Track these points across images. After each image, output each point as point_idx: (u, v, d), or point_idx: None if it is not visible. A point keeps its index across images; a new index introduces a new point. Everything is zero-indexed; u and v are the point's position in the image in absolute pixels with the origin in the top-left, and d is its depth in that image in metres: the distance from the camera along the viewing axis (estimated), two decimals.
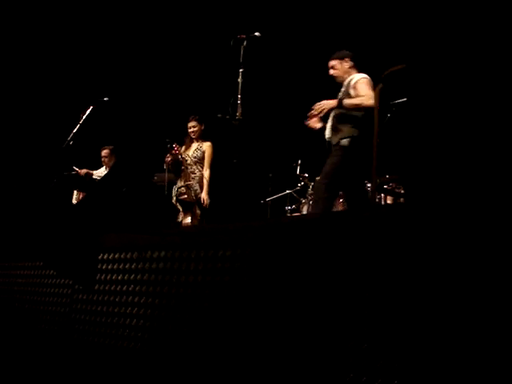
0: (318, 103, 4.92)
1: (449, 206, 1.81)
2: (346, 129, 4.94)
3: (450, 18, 2.14)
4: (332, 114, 5.06)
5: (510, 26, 1.91)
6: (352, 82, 5.02)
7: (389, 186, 6.30)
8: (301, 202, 7.12)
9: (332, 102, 4.92)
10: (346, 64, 5.18)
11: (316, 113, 4.94)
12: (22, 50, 8.67)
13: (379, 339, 1.82)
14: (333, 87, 5.20)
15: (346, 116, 4.95)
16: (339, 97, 5.05)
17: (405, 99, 4.96)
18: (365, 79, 5.00)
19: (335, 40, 6.69)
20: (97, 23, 8.85)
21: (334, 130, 5.03)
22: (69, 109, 7.51)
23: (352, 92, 4.98)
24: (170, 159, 6.73)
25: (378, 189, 5.93)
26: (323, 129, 5.19)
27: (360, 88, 4.93)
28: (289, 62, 7.95)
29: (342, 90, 5.13)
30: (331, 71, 5.22)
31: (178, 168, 6.82)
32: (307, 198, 6.79)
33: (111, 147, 7.99)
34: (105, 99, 6.50)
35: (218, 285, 2.52)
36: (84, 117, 6.33)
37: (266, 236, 2.42)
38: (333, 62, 5.23)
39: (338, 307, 1.98)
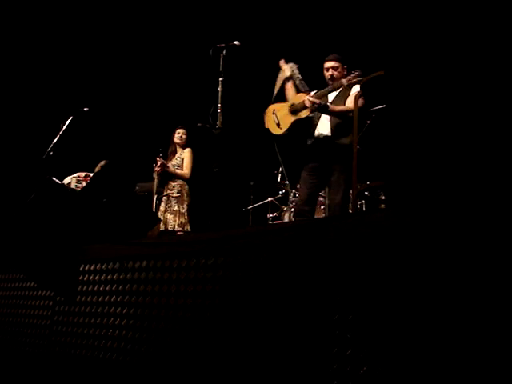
0: (312, 97, 4.84)
1: (430, 211, 1.82)
2: (349, 134, 4.76)
3: (426, 26, 2.16)
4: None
5: (484, 35, 1.94)
6: (353, 92, 4.87)
7: (369, 193, 6.34)
8: (282, 210, 7.13)
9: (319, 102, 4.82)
10: (344, 71, 5.06)
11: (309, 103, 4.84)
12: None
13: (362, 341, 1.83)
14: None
15: (347, 120, 4.80)
16: (330, 101, 4.96)
17: (384, 106, 4.99)
18: (360, 92, 4.84)
19: (314, 48, 6.73)
20: (76, 33, 8.81)
21: (339, 130, 4.86)
22: (48, 119, 7.46)
23: (349, 103, 4.85)
24: (159, 169, 6.73)
25: (358, 195, 5.96)
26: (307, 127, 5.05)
27: (352, 101, 4.74)
28: (268, 70, 7.97)
29: (335, 93, 5.00)
30: (332, 72, 5.04)
31: (165, 177, 6.84)
32: (288, 205, 6.79)
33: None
34: (84, 109, 6.47)
35: (201, 294, 2.52)
36: (64, 127, 6.30)
37: (249, 244, 2.42)
38: (336, 64, 5.06)
39: (316, 309, 1.99)
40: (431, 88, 2.10)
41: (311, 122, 5.02)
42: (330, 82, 5.01)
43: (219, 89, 5.02)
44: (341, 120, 4.86)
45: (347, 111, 4.79)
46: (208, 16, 8.40)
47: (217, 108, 5.03)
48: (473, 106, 1.94)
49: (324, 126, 4.95)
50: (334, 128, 4.90)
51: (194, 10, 8.54)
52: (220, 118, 4.97)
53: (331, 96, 5.02)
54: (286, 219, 6.75)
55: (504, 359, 1.54)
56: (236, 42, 5.14)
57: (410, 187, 2.09)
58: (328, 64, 5.09)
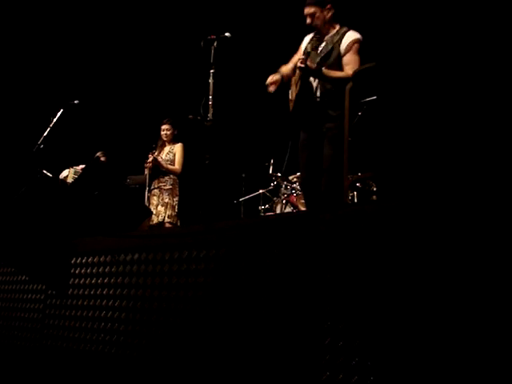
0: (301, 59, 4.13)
1: (422, 202, 1.83)
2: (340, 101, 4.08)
3: (420, 20, 2.17)
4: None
5: (471, 30, 1.94)
6: (347, 41, 4.17)
7: (361, 184, 6.34)
8: (274, 202, 7.13)
9: (311, 66, 4.14)
10: (329, 13, 4.29)
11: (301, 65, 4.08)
12: None
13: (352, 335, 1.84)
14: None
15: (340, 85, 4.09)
16: (320, 51, 4.36)
17: (375, 97, 4.97)
18: (358, 44, 4.20)
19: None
20: (65, 25, 8.76)
21: (332, 94, 4.26)
22: (39, 112, 7.43)
23: (343, 52, 4.20)
24: (150, 164, 6.75)
25: (350, 187, 5.96)
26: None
27: (353, 58, 4.16)
28: (259, 61, 7.96)
29: (323, 45, 4.35)
30: (310, 20, 4.28)
31: (156, 171, 6.86)
32: (280, 197, 6.79)
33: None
34: (75, 102, 6.45)
35: (193, 286, 2.52)
36: (54, 120, 6.28)
37: (240, 236, 2.42)
38: (312, 9, 4.26)
39: (308, 300, 2.00)
40: (423, 78, 2.10)
41: None
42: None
43: (210, 81, 5.00)
44: (330, 86, 4.26)
45: (345, 78, 4.08)
46: (199, 7, 8.36)
47: (208, 100, 5.01)
48: (464, 98, 1.95)
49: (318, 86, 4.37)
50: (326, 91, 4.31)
51: (185, 1, 8.50)
52: (211, 110, 4.96)
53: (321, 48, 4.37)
54: (278, 211, 6.74)
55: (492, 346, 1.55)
56: (227, 34, 5.12)
57: (402, 178, 2.09)
58: (305, 11, 4.33)
